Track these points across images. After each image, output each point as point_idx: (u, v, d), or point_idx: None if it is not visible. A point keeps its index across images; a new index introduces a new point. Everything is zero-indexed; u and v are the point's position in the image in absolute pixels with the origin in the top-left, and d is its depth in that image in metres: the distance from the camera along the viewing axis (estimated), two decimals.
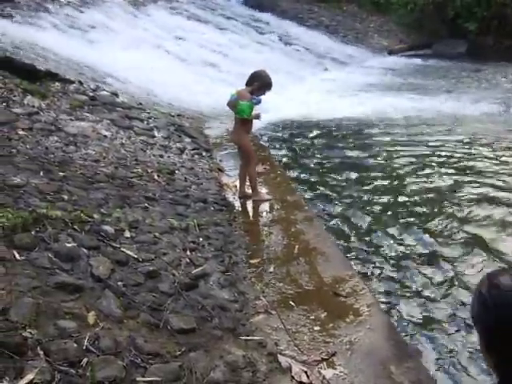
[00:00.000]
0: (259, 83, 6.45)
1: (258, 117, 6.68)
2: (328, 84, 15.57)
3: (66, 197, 5.22)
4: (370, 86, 15.47)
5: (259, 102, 6.58)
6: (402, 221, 6.75)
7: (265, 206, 6.69)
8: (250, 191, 6.89)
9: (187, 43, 16.24)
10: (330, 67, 18.10)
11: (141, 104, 9.95)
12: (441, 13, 21.23)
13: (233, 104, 6.61)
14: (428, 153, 9.33)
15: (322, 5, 23.08)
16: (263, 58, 16.80)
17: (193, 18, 18.58)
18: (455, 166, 8.66)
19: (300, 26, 21.09)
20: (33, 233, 4.27)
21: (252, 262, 5.28)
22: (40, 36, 12.81)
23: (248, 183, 6.90)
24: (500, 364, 1.88)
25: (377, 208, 7.17)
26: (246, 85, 6.56)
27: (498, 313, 1.82)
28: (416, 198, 7.42)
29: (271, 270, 5.18)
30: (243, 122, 6.65)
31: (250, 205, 6.74)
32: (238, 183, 7.06)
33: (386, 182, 8.04)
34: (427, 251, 5.97)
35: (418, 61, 20.04)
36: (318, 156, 9.37)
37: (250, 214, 6.53)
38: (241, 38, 18.17)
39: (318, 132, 10.95)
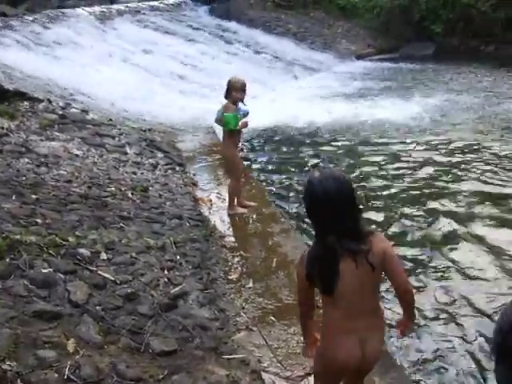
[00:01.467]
0: (232, 90, 6.46)
1: (245, 125, 6.68)
2: (298, 92, 15.61)
3: (39, 220, 5.15)
4: (338, 92, 15.52)
5: (247, 112, 6.59)
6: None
7: (241, 220, 6.66)
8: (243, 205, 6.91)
9: (155, 56, 16.22)
10: (300, 74, 18.15)
11: (111, 120, 9.88)
12: (407, 16, 21.45)
13: (219, 119, 6.63)
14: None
15: (289, 12, 23.15)
16: (233, 68, 16.80)
17: (160, 30, 18.56)
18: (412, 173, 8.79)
19: (268, 35, 21.14)
20: (7, 260, 4.22)
21: (230, 277, 5.25)
22: (5, 54, 12.69)
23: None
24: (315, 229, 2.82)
25: None
26: (225, 98, 6.56)
27: (310, 193, 2.77)
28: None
29: (250, 285, 5.15)
30: (230, 134, 6.64)
31: (225, 219, 6.71)
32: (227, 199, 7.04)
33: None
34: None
35: (386, 64, 20.18)
36: (291, 164, 9.42)
37: (226, 228, 6.45)
38: (209, 48, 18.16)
39: (290, 140, 11.00)
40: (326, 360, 2.91)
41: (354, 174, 8.71)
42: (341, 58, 20.67)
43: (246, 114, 6.59)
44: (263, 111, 11.69)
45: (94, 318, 3.88)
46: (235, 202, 6.86)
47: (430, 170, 8.77)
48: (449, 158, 9.27)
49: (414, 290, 3.16)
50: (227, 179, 7.39)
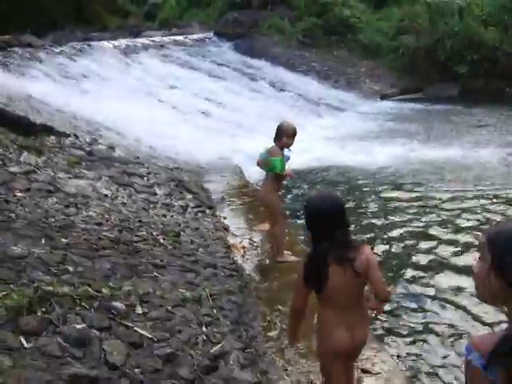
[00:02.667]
0: (283, 135, 6.27)
1: (291, 175, 6.52)
2: (324, 131, 15.41)
3: (71, 268, 4.90)
4: (365, 133, 15.30)
5: (288, 158, 6.43)
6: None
7: (276, 268, 6.38)
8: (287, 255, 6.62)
9: (180, 91, 16.15)
10: (324, 113, 17.98)
11: (138, 158, 9.70)
12: (432, 56, 21.29)
13: (263, 162, 6.44)
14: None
15: (313, 50, 23.08)
16: (257, 105, 16.72)
17: (185, 66, 18.52)
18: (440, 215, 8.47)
19: (292, 72, 21.04)
20: (39, 314, 3.96)
21: (270, 334, 4.97)
22: (33, 86, 12.65)
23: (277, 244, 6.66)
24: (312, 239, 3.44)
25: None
26: (274, 141, 6.39)
27: (309, 209, 3.46)
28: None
29: None
30: (274, 178, 6.45)
31: (259, 268, 6.44)
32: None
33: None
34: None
35: (411, 105, 19.92)
36: None
37: (262, 277, 6.18)
38: (234, 84, 18.07)
39: (318, 180, 10.75)
40: (323, 349, 3.59)
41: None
42: (365, 97, 20.48)
43: (287, 159, 6.43)
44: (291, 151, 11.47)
45: (132, 382, 3.60)
46: (282, 249, 6.60)
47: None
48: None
49: None
50: (263, 225, 7.12)
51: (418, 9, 21.97)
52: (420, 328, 5.54)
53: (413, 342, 5.29)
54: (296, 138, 6.41)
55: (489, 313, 5.50)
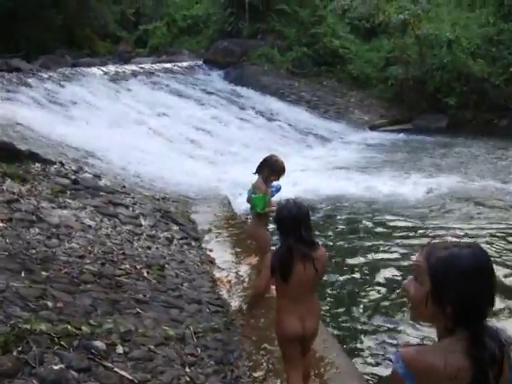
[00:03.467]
0: (269, 169, 6.06)
1: (272, 211, 6.32)
2: (312, 162, 15.34)
3: (50, 303, 4.74)
4: (351, 164, 15.22)
5: (279, 188, 6.28)
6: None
7: (263, 305, 6.22)
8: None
9: (169, 119, 16.05)
10: (313, 144, 17.92)
11: (124, 187, 9.55)
12: (420, 88, 21.39)
13: (248, 199, 6.32)
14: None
15: (303, 80, 23.09)
16: (246, 135, 16.65)
17: (174, 93, 18.44)
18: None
19: (281, 102, 21.00)
20: (15, 353, 3.79)
21: (256, 375, 4.80)
22: (20, 111, 12.55)
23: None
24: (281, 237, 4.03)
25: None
26: (257, 173, 6.19)
27: (281, 213, 4.07)
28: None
29: None
30: (258, 215, 6.26)
31: (246, 303, 6.27)
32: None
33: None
34: None
35: (399, 136, 19.94)
36: None
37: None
38: (223, 113, 18.01)
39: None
40: (279, 333, 4.15)
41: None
42: (354, 127, 20.48)
43: (278, 190, 6.28)
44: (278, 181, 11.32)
45: None
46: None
47: None
48: None
49: None
50: (251, 258, 6.98)
51: (407, 40, 22.08)
52: None
53: None
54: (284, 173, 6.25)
55: None
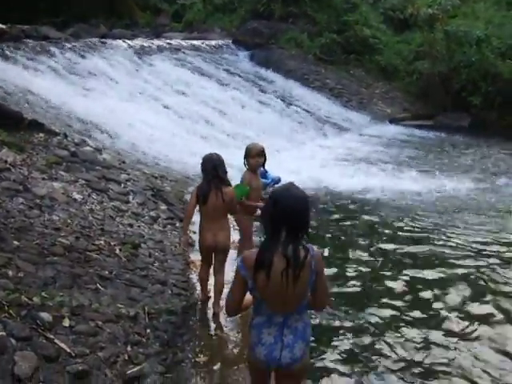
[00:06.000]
0: (248, 157, 6.50)
1: (252, 205, 6.52)
2: (324, 152, 15.34)
3: (11, 273, 4.97)
4: (364, 158, 15.09)
5: (278, 179, 6.62)
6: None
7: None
8: None
9: (186, 97, 16.09)
10: (329, 133, 17.86)
11: (123, 163, 9.71)
12: (446, 84, 21.17)
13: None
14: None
15: (329, 67, 22.96)
16: (263, 119, 16.66)
17: (196, 72, 18.47)
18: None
19: (304, 87, 20.88)
20: None
21: (198, 360, 4.97)
22: (35, 80, 12.72)
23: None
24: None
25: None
26: (244, 164, 6.69)
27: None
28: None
29: (220, 371, 4.87)
30: (242, 205, 6.41)
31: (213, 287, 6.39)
32: None
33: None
34: None
35: (419, 132, 19.74)
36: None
37: (213, 298, 5.98)
38: (242, 95, 17.97)
39: None
40: (200, 245, 5.98)
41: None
42: (374, 119, 20.32)
43: (277, 182, 6.55)
44: (284, 168, 11.37)
45: None
46: None
47: None
48: None
49: None
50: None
51: (437, 35, 21.82)
52: None
53: None
54: (266, 155, 6.56)
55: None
